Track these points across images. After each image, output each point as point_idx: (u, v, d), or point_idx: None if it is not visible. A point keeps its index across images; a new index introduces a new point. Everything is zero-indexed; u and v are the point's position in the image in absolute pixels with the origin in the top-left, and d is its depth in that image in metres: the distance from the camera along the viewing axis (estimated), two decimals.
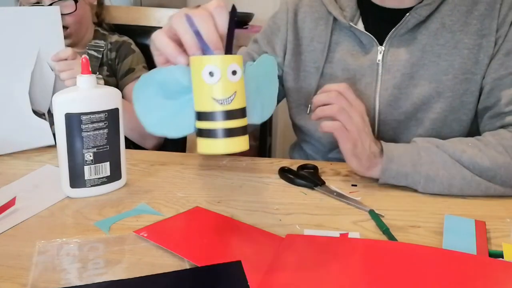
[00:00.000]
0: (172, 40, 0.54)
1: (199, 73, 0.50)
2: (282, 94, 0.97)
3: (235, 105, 0.51)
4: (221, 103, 0.50)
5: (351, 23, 0.86)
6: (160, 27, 0.56)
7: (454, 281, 0.51)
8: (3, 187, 0.74)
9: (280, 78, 0.95)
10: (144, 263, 0.55)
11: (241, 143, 0.52)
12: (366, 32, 0.85)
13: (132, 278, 0.51)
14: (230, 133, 0.51)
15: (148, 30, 1.31)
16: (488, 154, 0.73)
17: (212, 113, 0.51)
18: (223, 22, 0.53)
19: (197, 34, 0.52)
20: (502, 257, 0.57)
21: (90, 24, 1.22)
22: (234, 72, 0.50)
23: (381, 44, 0.85)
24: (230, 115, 0.51)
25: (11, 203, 0.66)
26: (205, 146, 0.52)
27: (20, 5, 1.12)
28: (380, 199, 0.73)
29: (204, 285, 0.50)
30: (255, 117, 0.58)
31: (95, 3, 1.25)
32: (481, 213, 0.69)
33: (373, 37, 0.85)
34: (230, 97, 0.50)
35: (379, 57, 0.85)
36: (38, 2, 1.08)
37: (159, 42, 0.55)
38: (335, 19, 0.88)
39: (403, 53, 0.84)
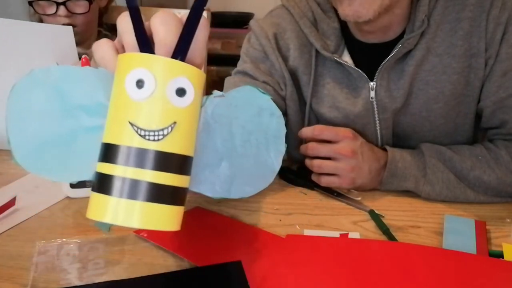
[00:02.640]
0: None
1: (121, 80, 0.31)
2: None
3: (168, 146, 0.30)
4: (144, 136, 0.29)
5: (336, 58, 0.78)
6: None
7: (454, 281, 0.51)
8: (3, 187, 0.74)
9: (284, 113, 0.87)
10: (144, 263, 0.55)
11: (164, 218, 0.32)
12: (356, 68, 0.78)
13: (132, 278, 0.51)
14: (149, 193, 0.31)
15: None
16: (497, 172, 0.72)
17: (123, 148, 0.30)
18: (196, 38, 0.35)
19: (146, 38, 0.33)
20: (502, 257, 0.57)
21: (96, 26, 1.22)
22: (180, 92, 0.30)
23: (371, 79, 0.78)
24: (156, 160, 0.30)
25: (11, 203, 0.66)
26: (96, 207, 0.32)
27: (35, 15, 1.13)
28: (380, 199, 0.73)
29: (204, 285, 0.50)
30: (211, 186, 0.38)
31: (104, 5, 1.25)
32: (481, 213, 0.70)
33: (363, 73, 0.78)
34: (162, 129, 0.30)
35: (372, 94, 0.79)
36: (56, 11, 1.08)
37: (100, 52, 0.37)
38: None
39: (394, 87, 0.78)
